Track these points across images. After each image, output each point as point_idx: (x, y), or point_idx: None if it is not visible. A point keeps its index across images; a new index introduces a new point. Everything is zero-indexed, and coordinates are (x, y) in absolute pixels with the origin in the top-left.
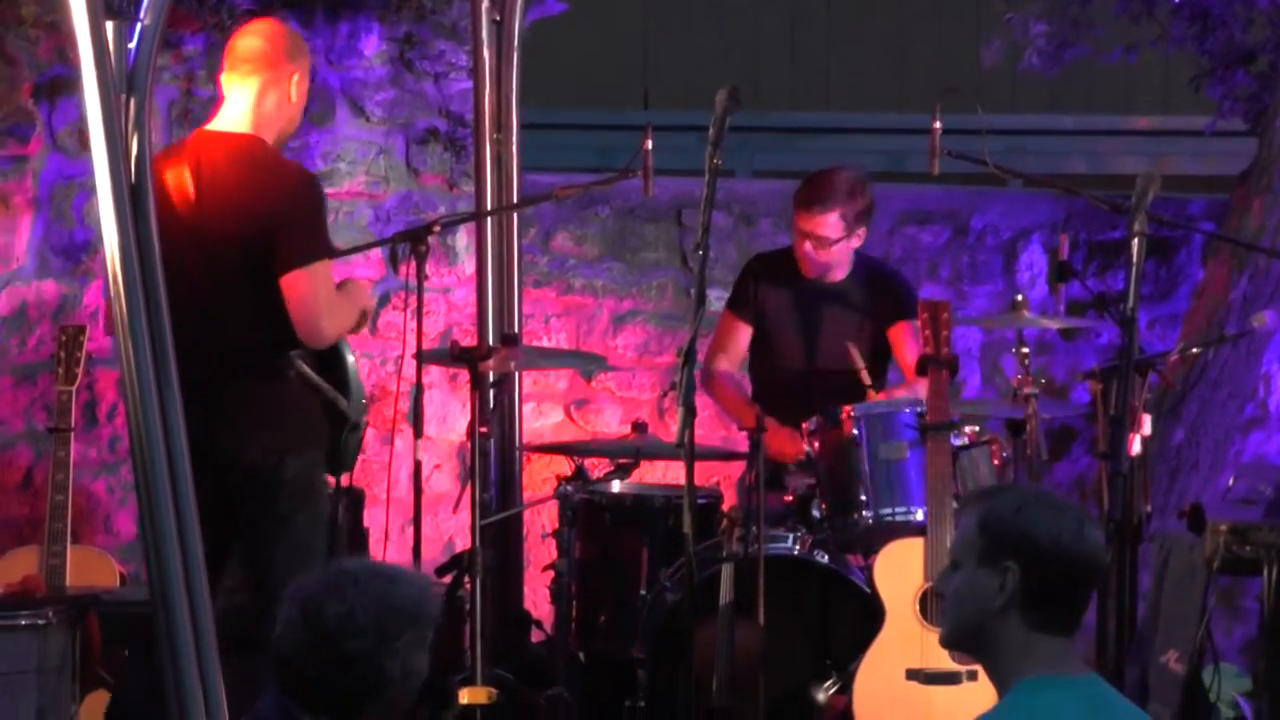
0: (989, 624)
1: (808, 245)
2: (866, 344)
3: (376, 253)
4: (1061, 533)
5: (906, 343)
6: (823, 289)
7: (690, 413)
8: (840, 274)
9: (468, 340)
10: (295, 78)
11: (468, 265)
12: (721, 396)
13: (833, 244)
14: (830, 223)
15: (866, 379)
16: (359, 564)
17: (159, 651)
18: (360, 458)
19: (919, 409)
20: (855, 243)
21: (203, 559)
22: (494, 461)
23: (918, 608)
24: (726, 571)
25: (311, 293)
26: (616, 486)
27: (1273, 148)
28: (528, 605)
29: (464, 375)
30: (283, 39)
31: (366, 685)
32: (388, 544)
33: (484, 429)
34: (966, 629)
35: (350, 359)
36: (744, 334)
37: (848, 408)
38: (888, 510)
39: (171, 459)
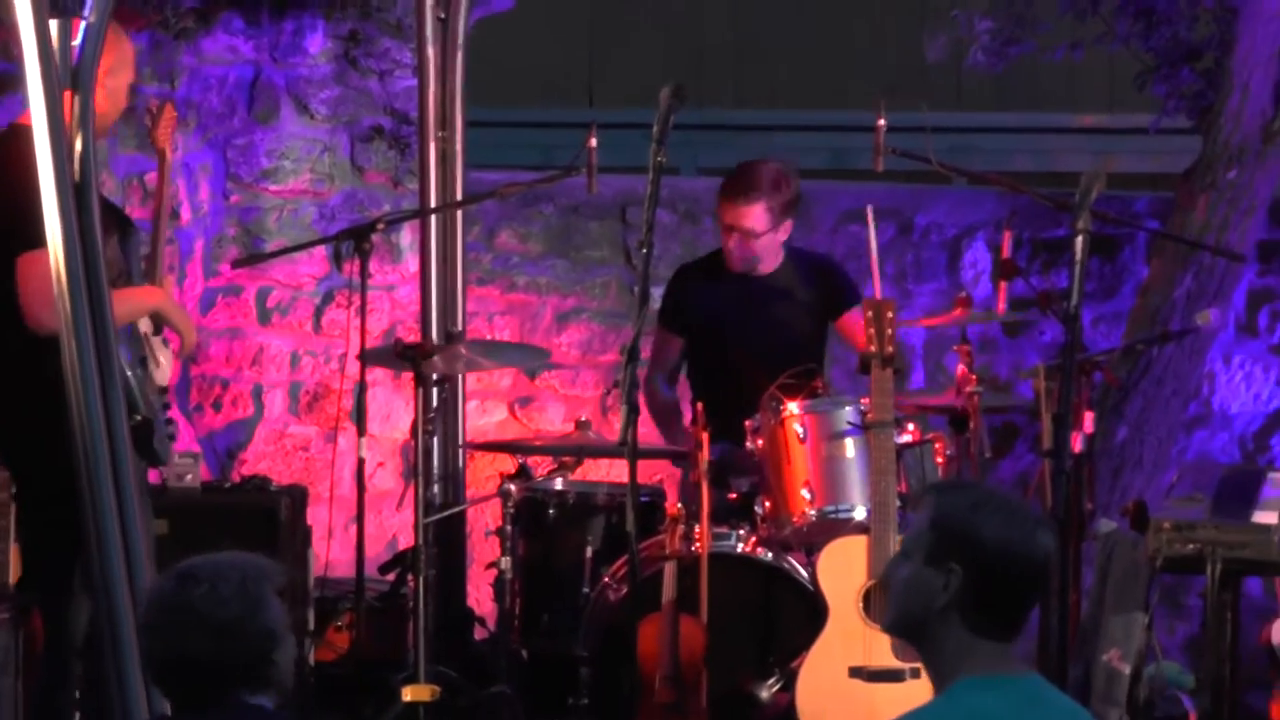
0: (930, 621)
1: (734, 239)
2: (806, 335)
3: (320, 250)
4: (1010, 538)
5: (860, 329)
6: (754, 283)
7: (633, 411)
8: (769, 266)
9: (412, 338)
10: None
11: (411, 263)
12: (655, 413)
13: (759, 236)
14: (756, 214)
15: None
16: (192, 559)
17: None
18: (304, 456)
19: (862, 407)
20: (781, 235)
21: (145, 549)
22: (437, 459)
23: (861, 605)
24: (669, 569)
25: (30, 278)
26: (559, 484)
27: (1217, 145)
28: (471, 603)
29: (408, 373)
30: None
31: (257, 648)
32: (331, 542)
33: (428, 426)
34: (907, 622)
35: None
36: (675, 347)
37: (790, 405)
38: (831, 508)
39: (114, 449)
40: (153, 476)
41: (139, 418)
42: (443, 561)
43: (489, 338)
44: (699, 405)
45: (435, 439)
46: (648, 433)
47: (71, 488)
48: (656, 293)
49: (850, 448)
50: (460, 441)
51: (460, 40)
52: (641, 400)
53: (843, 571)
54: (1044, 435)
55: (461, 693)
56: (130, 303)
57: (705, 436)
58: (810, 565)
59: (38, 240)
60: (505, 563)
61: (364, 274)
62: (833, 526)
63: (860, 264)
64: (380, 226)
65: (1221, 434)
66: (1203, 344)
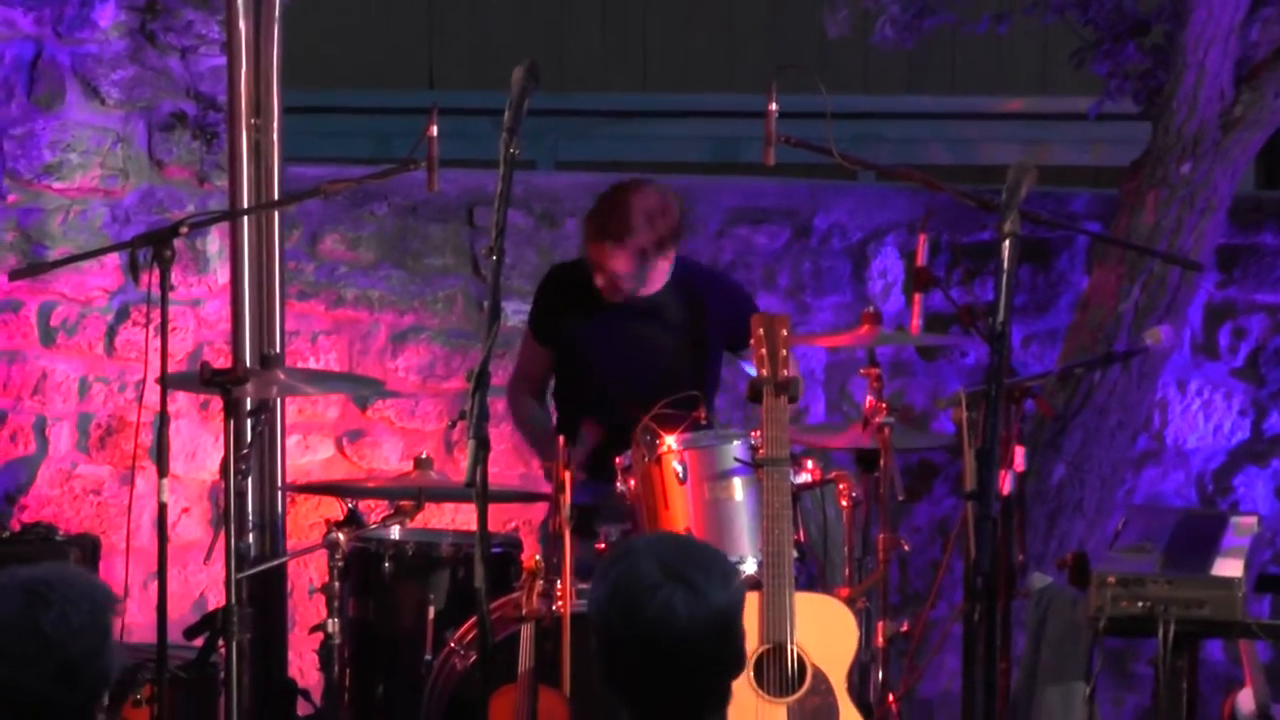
0: None
1: (602, 279)
2: (690, 358)
3: (113, 259)
4: (621, 625)
5: None
6: (639, 300)
7: (482, 447)
8: (653, 287)
9: (221, 362)
10: None
11: (221, 274)
12: (524, 427)
13: (630, 279)
14: (624, 260)
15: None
16: (36, 570)
17: None
18: (95, 500)
19: (753, 441)
20: (663, 265)
21: None
22: (252, 504)
23: (752, 674)
24: (526, 632)
25: None
26: (396, 533)
27: (1169, 133)
28: (293, 672)
29: (217, 403)
30: None
31: (91, 692)
32: (128, 601)
33: (240, 465)
34: None
35: None
36: (544, 359)
37: (668, 439)
38: None
39: None
40: None
41: None
42: (259, 624)
43: (312, 361)
44: (561, 440)
45: (249, 480)
46: (500, 472)
47: None
48: (509, 308)
49: (738, 489)
50: (279, 483)
51: (277, 12)
52: (496, 428)
53: None
54: (966, 474)
55: None
56: None
57: (568, 476)
58: None
59: None
60: (332, 625)
61: (165, 287)
62: None
63: (750, 273)
64: (183, 230)
65: (1176, 473)
66: (1152, 367)
